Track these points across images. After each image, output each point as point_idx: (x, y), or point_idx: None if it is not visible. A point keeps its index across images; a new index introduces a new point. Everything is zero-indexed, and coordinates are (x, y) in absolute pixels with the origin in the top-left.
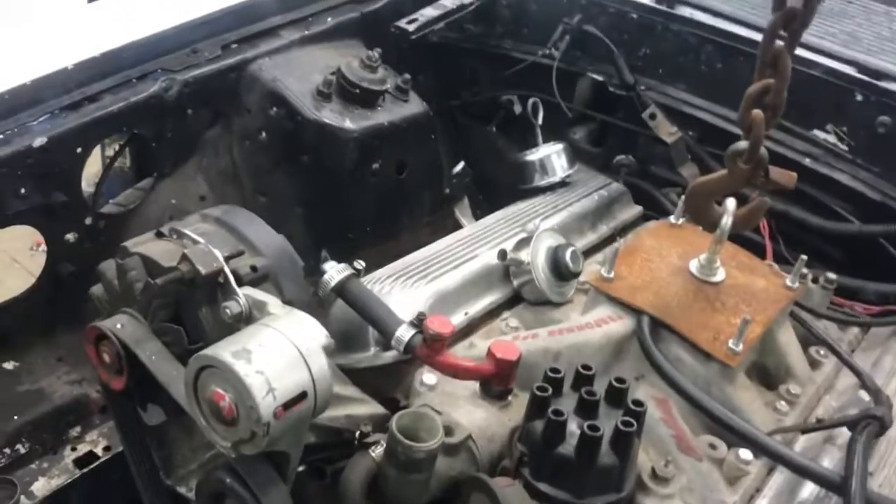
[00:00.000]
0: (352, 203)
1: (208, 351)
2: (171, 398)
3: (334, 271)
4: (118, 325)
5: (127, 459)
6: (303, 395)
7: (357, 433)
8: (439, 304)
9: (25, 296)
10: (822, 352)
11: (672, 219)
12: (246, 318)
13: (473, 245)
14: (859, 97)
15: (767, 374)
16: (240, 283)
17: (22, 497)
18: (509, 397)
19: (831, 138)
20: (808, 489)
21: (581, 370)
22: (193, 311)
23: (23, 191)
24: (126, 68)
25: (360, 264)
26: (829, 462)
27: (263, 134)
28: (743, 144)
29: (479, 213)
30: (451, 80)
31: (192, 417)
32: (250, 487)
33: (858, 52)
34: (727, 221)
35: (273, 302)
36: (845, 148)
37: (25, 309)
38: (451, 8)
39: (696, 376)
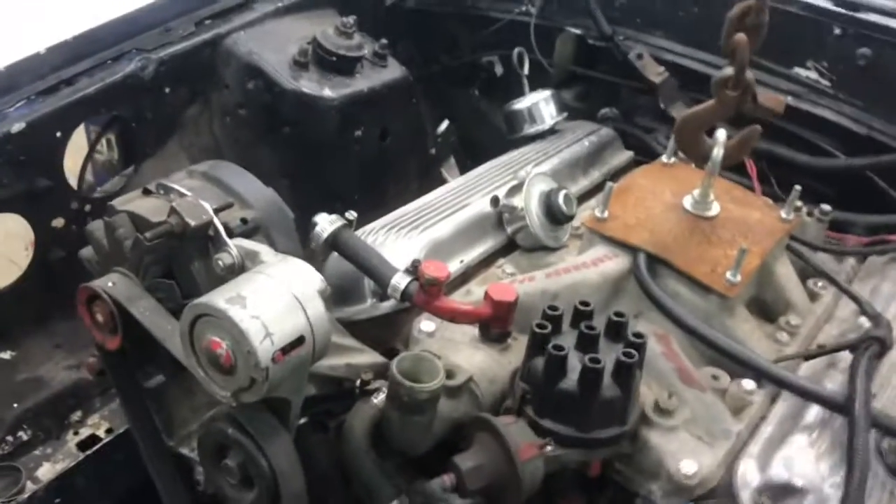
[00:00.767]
0: (337, 172)
1: (202, 299)
2: (168, 356)
3: (326, 223)
4: (110, 284)
5: (128, 422)
6: (301, 340)
7: (358, 381)
8: (434, 252)
9: (17, 285)
10: (820, 283)
11: (664, 158)
12: (238, 269)
13: (465, 194)
14: (838, 31)
15: (767, 308)
16: (230, 236)
17: (28, 483)
18: (508, 340)
19: (812, 74)
20: (813, 413)
21: (579, 306)
22: (185, 265)
23: (4, 179)
24: (100, 50)
25: (351, 214)
26: (833, 386)
27: (243, 108)
28: (729, 71)
29: None
30: (430, 45)
31: (190, 371)
32: (252, 436)
33: None
34: (719, 152)
35: (265, 251)
36: (827, 83)
37: (18, 298)
38: None
39: (695, 310)
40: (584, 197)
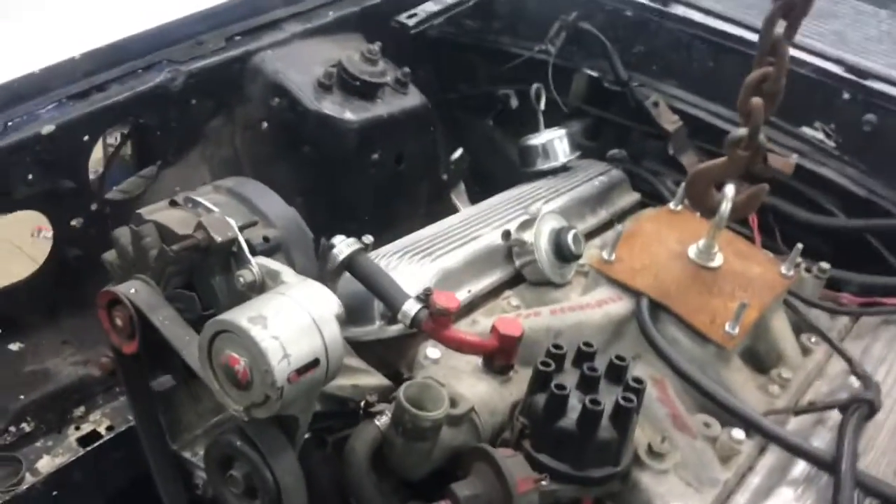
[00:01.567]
0: (351, 193)
1: (225, 316)
2: (180, 363)
3: (344, 245)
4: (132, 291)
5: (134, 423)
6: (316, 362)
7: (362, 403)
8: (444, 280)
9: (31, 279)
10: (813, 339)
11: (671, 205)
12: (259, 287)
13: (477, 225)
14: (846, 96)
15: (759, 359)
16: (253, 253)
17: (27, 474)
18: (510, 373)
19: (819, 135)
20: (799, 468)
21: (583, 347)
22: (206, 278)
23: (30, 177)
24: (132, 59)
25: (368, 238)
26: (820, 444)
27: (265, 124)
28: (742, 131)
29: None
30: (450, 74)
31: (205, 382)
32: (260, 450)
33: (846, 52)
34: (726, 207)
35: (286, 271)
36: (833, 145)
37: (31, 292)
38: (450, 3)
39: (692, 357)
40: (590, 235)
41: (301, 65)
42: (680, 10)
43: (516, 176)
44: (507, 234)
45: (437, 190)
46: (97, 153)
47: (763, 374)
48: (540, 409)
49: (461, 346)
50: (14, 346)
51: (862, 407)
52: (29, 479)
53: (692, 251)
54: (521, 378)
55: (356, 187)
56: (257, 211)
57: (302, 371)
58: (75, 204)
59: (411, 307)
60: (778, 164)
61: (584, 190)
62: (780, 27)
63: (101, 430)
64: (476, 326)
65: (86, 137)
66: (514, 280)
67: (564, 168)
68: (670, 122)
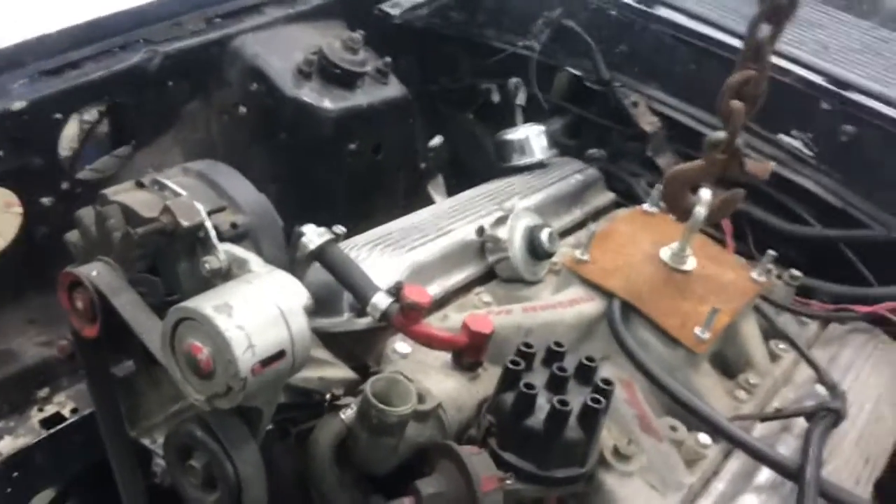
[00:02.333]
0: (326, 182)
1: (189, 303)
2: (142, 349)
3: (314, 234)
4: (94, 273)
5: (94, 407)
6: (281, 354)
7: (328, 396)
8: (415, 274)
9: None
10: (781, 345)
11: (646, 206)
12: (224, 275)
13: (451, 219)
14: (825, 105)
15: (727, 363)
16: (220, 240)
17: None
18: (479, 370)
19: (797, 143)
20: (764, 475)
21: (553, 347)
22: (171, 263)
23: (0, 153)
24: (110, 37)
25: (339, 229)
26: (785, 450)
27: (242, 109)
28: (721, 134)
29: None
30: (432, 65)
31: (166, 369)
32: (221, 441)
33: (827, 62)
34: (701, 210)
35: (254, 260)
36: (810, 154)
37: None
38: None
39: (661, 360)
40: (564, 234)
41: (281, 50)
42: (664, 12)
43: (496, 171)
44: (480, 230)
45: (414, 182)
46: (71, 130)
47: (731, 379)
48: (508, 408)
49: (431, 342)
50: None
51: (828, 416)
52: None
53: (665, 254)
54: (489, 375)
55: (332, 177)
56: (226, 196)
57: (266, 363)
58: (45, 182)
59: (382, 301)
60: (755, 168)
61: (559, 188)
62: (765, 31)
63: (65, 412)
64: (447, 322)
65: (58, 115)
66: (486, 276)
67: (541, 164)
68: (649, 123)
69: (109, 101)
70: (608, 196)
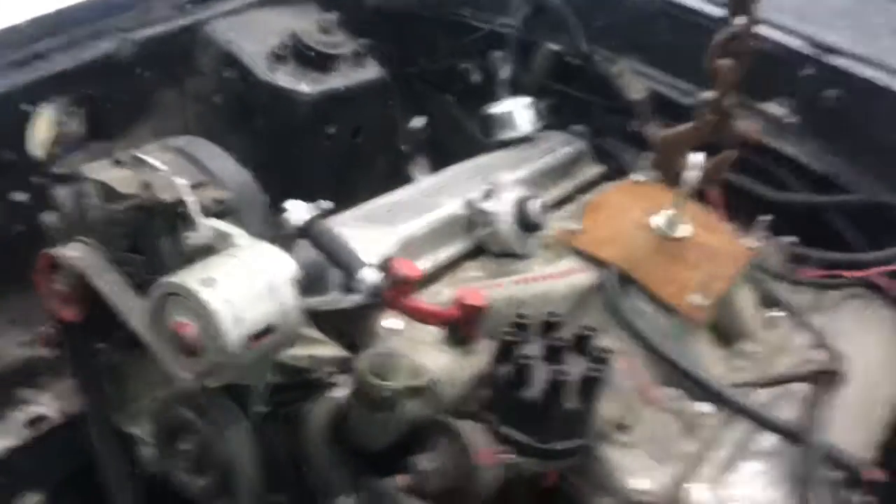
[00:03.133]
0: (305, 167)
1: (173, 278)
2: (126, 330)
3: (301, 210)
4: (75, 254)
5: (79, 393)
6: (271, 328)
7: (319, 374)
8: (404, 250)
9: None
10: (777, 313)
11: (635, 176)
12: (208, 250)
13: (438, 194)
14: (808, 71)
15: (723, 332)
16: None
17: None
18: (473, 344)
19: (780, 111)
20: (765, 442)
21: (549, 317)
22: (152, 241)
23: None
24: (79, 26)
25: (326, 204)
26: (786, 416)
27: (217, 96)
28: (711, 94)
29: None
30: (410, 47)
31: (151, 349)
32: (211, 421)
33: (809, 26)
34: (692, 174)
35: (239, 234)
36: (794, 121)
37: None
38: None
39: (658, 329)
40: (553, 207)
41: (254, 35)
42: None
43: (477, 152)
44: (469, 204)
45: (395, 165)
46: (45, 124)
47: (727, 347)
48: (504, 380)
49: (423, 316)
50: None
51: (830, 378)
52: None
53: (658, 221)
54: (483, 350)
55: (311, 161)
56: (208, 172)
57: (256, 337)
58: (16, 177)
59: (371, 276)
60: (746, 127)
61: (547, 161)
62: None
63: (50, 413)
64: (439, 297)
65: (26, 107)
66: (477, 251)
67: (528, 138)
68: (637, 91)
69: (80, 92)
70: (596, 169)
